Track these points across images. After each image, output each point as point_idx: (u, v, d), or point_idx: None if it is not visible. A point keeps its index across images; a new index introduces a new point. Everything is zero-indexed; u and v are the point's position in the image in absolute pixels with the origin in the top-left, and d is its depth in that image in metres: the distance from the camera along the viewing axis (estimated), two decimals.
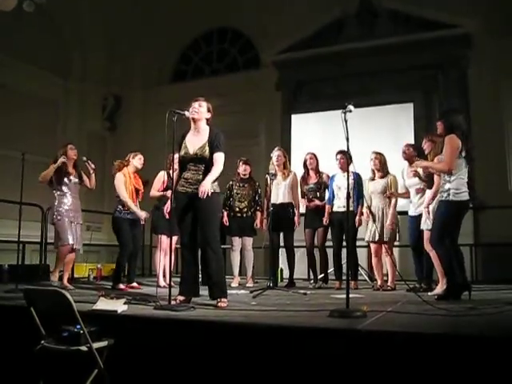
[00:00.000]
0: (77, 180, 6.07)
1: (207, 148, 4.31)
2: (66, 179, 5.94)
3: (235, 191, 6.70)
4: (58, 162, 5.86)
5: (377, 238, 5.93)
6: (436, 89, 9.52)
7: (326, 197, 6.52)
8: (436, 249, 4.74)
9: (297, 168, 7.00)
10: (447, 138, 4.63)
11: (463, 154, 4.61)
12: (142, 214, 6.13)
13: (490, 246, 8.30)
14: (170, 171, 6.28)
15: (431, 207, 5.27)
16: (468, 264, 7.15)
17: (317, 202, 6.52)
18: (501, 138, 8.93)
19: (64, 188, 5.94)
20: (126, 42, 11.65)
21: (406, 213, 6.04)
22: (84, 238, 6.31)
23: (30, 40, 9.69)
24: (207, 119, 4.46)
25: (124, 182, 6.12)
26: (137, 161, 6.26)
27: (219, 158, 4.31)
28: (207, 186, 4.14)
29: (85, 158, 6.16)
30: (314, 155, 6.68)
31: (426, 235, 5.27)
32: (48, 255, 7.32)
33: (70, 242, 5.85)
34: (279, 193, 6.53)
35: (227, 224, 6.65)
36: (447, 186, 4.63)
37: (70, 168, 6.05)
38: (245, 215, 6.67)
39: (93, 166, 6.18)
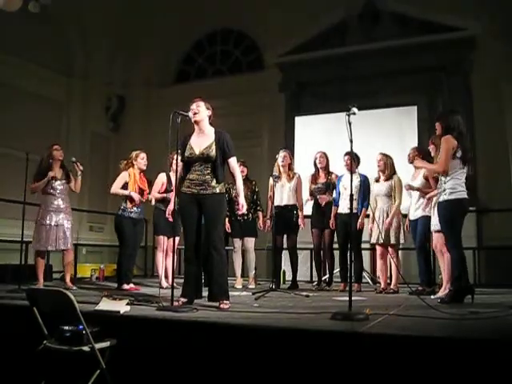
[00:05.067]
0: (64, 181, 6.05)
1: (214, 148, 4.32)
2: (51, 180, 5.93)
3: (234, 194, 6.69)
4: (48, 177, 5.86)
5: (381, 240, 5.91)
6: (440, 91, 9.52)
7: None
8: (451, 250, 4.71)
9: (301, 169, 7.00)
10: (443, 139, 4.64)
11: (458, 154, 4.59)
12: (135, 196, 6.09)
13: (493, 249, 8.28)
14: (170, 173, 6.34)
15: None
16: (471, 267, 7.16)
17: (324, 196, 6.48)
18: (504, 141, 8.91)
19: (50, 189, 5.93)
20: (130, 43, 11.66)
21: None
22: (82, 238, 6.30)
23: (33, 40, 9.70)
24: (209, 117, 4.48)
25: (126, 181, 6.12)
26: (140, 161, 6.25)
27: (235, 164, 4.48)
28: (244, 202, 4.52)
29: (74, 159, 6.14)
30: (325, 154, 6.66)
31: (435, 237, 5.27)
32: (51, 255, 7.33)
33: (39, 248, 5.87)
34: (283, 195, 6.53)
35: (229, 231, 6.65)
36: (443, 186, 4.65)
37: (57, 168, 6.04)
38: (246, 217, 6.66)
39: (81, 167, 6.12)
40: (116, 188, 6.12)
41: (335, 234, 6.47)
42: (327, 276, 6.70)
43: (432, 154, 5.48)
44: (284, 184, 6.56)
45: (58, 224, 5.91)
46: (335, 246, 6.51)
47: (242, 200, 4.48)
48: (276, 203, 6.38)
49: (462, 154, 4.61)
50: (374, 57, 9.55)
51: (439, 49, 9.24)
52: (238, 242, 6.72)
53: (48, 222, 5.86)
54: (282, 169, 6.59)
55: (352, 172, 4.19)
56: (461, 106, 8.46)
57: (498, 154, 8.80)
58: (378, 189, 6.10)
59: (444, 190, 4.62)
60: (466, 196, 4.65)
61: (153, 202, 6.32)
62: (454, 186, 4.60)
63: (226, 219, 6.58)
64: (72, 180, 6.12)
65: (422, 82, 9.60)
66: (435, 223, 5.23)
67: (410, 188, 5.72)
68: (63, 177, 6.06)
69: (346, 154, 6.21)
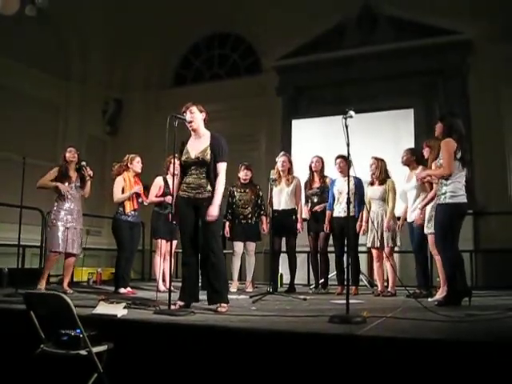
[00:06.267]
0: (78, 184, 6.05)
1: (209, 152, 4.31)
2: (66, 183, 5.94)
3: (237, 197, 6.68)
4: (59, 187, 5.85)
5: (377, 244, 5.93)
6: (436, 95, 9.55)
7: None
8: (441, 253, 4.72)
9: (297, 173, 7.00)
10: (443, 142, 4.64)
11: (458, 156, 4.61)
12: (137, 189, 6.10)
13: (490, 251, 8.29)
14: (167, 176, 6.33)
15: (428, 210, 5.33)
16: (468, 270, 7.16)
17: (318, 207, 6.51)
18: (501, 144, 8.94)
19: (62, 192, 5.92)
20: (127, 46, 11.67)
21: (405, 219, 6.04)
22: (85, 242, 6.28)
23: (31, 43, 9.71)
24: (204, 120, 4.47)
25: (123, 186, 6.12)
26: (135, 165, 6.26)
27: (222, 169, 4.34)
28: (215, 211, 4.19)
29: (84, 163, 6.11)
30: (321, 158, 6.68)
31: (430, 239, 5.28)
32: None
33: (58, 249, 5.85)
34: (282, 199, 6.53)
35: (228, 235, 6.64)
36: (444, 189, 4.63)
37: (72, 171, 6.04)
38: (249, 221, 6.65)
39: (90, 172, 6.08)
40: (118, 195, 6.12)
41: (330, 238, 6.48)
42: (323, 280, 6.70)
43: (426, 157, 5.49)
44: (283, 188, 6.56)
45: (69, 227, 5.91)
46: (331, 249, 6.51)
47: (212, 209, 4.19)
48: (274, 207, 6.38)
49: (461, 155, 4.62)
50: (370, 60, 9.58)
51: (436, 52, 9.28)
52: (239, 246, 6.70)
53: (60, 223, 5.86)
54: (281, 173, 6.60)
55: (348, 175, 4.18)
56: (458, 110, 8.48)
57: (495, 156, 8.83)
58: (372, 193, 6.11)
59: (445, 193, 4.61)
60: (465, 200, 4.65)
61: (145, 203, 6.30)
62: (454, 190, 4.59)
63: (227, 223, 6.59)
64: (84, 184, 6.12)
65: (419, 86, 9.63)
66: (430, 225, 5.24)
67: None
68: (77, 180, 6.05)
69: (338, 157, 6.24)
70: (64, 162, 6.03)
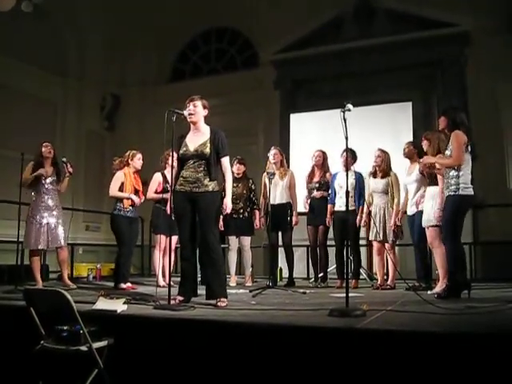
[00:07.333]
0: (54, 178, 6.00)
1: (209, 145, 4.31)
2: (40, 178, 5.90)
3: None
4: (37, 172, 5.85)
5: (379, 237, 5.91)
6: (434, 87, 9.54)
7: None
8: (447, 245, 4.68)
9: (296, 167, 6.99)
10: (453, 133, 4.62)
11: (468, 149, 4.62)
12: (136, 199, 6.11)
13: (489, 244, 8.30)
14: (165, 171, 6.31)
15: (425, 203, 5.32)
16: (467, 262, 7.17)
17: (317, 193, 6.48)
18: (499, 136, 8.93)
19: (39, 187, 5.90)
20: (125, 41, 11.63)
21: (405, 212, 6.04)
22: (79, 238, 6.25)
23: (28, 39, 9.66)
24: (205, 117, 4.45)
25: (123, 182, 6.11)
26: (136, 161, 6.23)
27: (228, 164, 4.43)
28: (230, 203, 4.38)
29: (64, 159, 6.08)
30: (322, 153, 6.66)
31: (429, 232, 5.26)
32: (47, 255, 7.31)
33: (30, 247, 5.86)
34: (277, 193, 6.52)
35: (222, 229, 6.62)
36: (456, 180, 4.59)
37: (47, 166, 6.00)
38: (241, 215, 6.65)
39: (70, 169, 6.05)
40: (114, 191, 6.10)
41: (330, 232, 6.48)
42: (322, 273, 6.70)
43: (425, 149, 5.48)
44: (277, 182, 6.54)
45: (49, 222, 5.88)
46: (330, 242, 6.51)
47: (228, 201, 4.39)
48: (270, 202, 6.37)
49: (471, 148, 4.63)
50: (368, 53, 9.56)
51: (434, 45, 9.25)
52: (233, 240, 6.71)
53: (38, 220, 5.84)
54: (274, 166, 6.59)
55: (347, 169, 4.17)
56: (456, 102, 8.49)
57: (494, 148, 8.81)
58: (374, 185, 6.08)
59: (458, 184, 4.58)
60: (473, 193, 4.66)
61: (142, 200, 6.28)
62: (466, 182, 4.59)
63: (221, 217, 6.57)
64: (61, 180, 6.09)
65: (417, 78, 9.62)
66: (430, 219, 5.21)
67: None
68: (53, 175, 6.03)
69: (344, 151, 6.21)
70: (39, 157, 5.99)
